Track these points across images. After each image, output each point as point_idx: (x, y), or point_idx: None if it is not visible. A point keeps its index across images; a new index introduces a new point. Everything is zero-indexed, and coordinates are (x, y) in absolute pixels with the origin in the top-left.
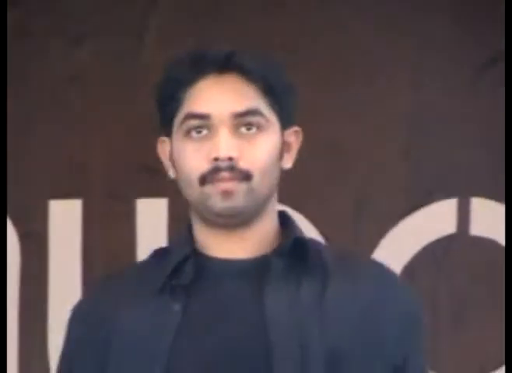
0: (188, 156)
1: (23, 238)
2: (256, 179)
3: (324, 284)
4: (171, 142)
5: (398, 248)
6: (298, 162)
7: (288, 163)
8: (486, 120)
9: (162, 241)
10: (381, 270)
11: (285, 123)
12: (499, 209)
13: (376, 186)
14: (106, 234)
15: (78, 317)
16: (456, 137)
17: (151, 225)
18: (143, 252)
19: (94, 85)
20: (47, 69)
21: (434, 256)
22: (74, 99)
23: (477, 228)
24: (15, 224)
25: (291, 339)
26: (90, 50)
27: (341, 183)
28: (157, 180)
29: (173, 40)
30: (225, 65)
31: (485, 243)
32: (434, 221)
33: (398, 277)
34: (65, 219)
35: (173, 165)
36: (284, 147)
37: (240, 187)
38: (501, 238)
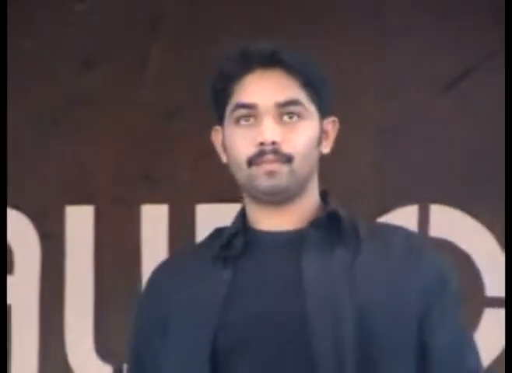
0: (237, 141)
1: (43, 238)
2: (297, 161)
3: (356, 252)
4: (223, 130)
5: None
6: None
7: (326, 149)
8: (446, 135)
9: (163, 241)
10: (408, 236)
11: (323, 113)
12: (455, 214)
13: (347, 193)
14: (115, 235)
15: (146, 293)
16: (418, 150)
17: (153, 228)
18: (147, 251)
19: (103, 105)
20: (62, 90)
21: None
22: (86, 117)
23: (435, 231)
24: (36, 226)
25: (324, 298)
26: (100, 73)
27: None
28: (159, 188)
29: (174, 64)
30: (269, 61)
31: (444, 244)
32: (399, 223)
33: (425, 243)
34: (79, 222)
35: (225, 151)
36: (322, 134)
37: (282, 169)
38: (457, 240)
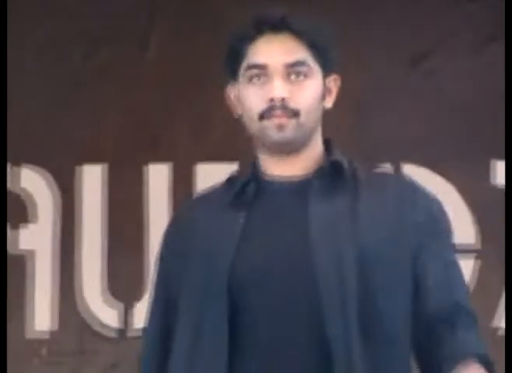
0: (250, 97)
1: (63, 192)
2: (303, 115)
3: (356, 197)
4: (237, 87)
5: None
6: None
7: (328, 103)
8: (417, 102)
9: (165, 196)
10: (404, 181)
11: (326, 72)
12: (423, 170)
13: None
14: (124, 190)
15: (169, 231)
16: (391, 118)
17: (157, 184)
18: (151, 204)
19: (113, 80)
20: (75, 71)
21: None
22: (99, 91)
23: None
24: (57, 181)
25: (328, 240)
26: (106, 55)
27: None
28: (161, 149)
29: (170, 49)
30: (278, 26)
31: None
32: None
33: (417, 187)
34: (94, 178)
35: (239, 106)
36: (325, 91)
37: (290, 122)
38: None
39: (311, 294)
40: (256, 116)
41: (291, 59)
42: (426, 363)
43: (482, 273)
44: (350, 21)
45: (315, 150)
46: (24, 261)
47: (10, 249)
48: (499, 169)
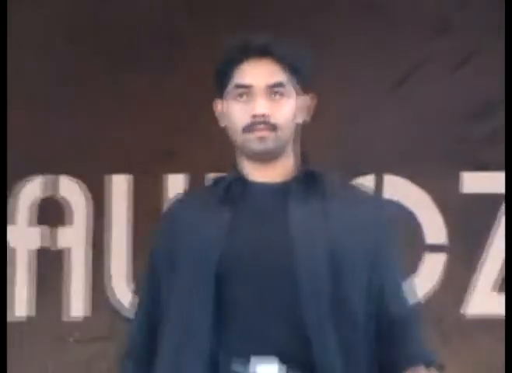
0: (236, 112)
1: (95, 198)
2: (281, 129)
3: (328, 202)
4: (224, 103)
5: None
6: None
7: (306, 117)
8: (397, 121)
9: None
10: (368, 196)
11: (304, 91)
12: (402, 181)
13: (318, 165)
14: (146, 197)
15: (165, 219)
16: (374, 133)
17: (174, 191)
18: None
19: (142, 98)
20: (103, 92)
21: None
22: (122, 108)
23: (387, 194)
24: (91, 189)
25: (305, 235)
26: (137, 73)
27: None
28: (177, 161)
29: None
30: (262, 52)
31: (394, 204)
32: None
33: (380, 203)
34: (121, 186)
35: (224, 119)
36: (301, 107)
37: (270, 135)
38: (404, 201)
39: (290, 284)
40: (240, 129)
41: (272, 81)
42: (382, 360)
43: (451, 266)
44: (338, 47)
45: (289, 159)
46: (62, 256)
47: (51, 246)
48: (466, 179)
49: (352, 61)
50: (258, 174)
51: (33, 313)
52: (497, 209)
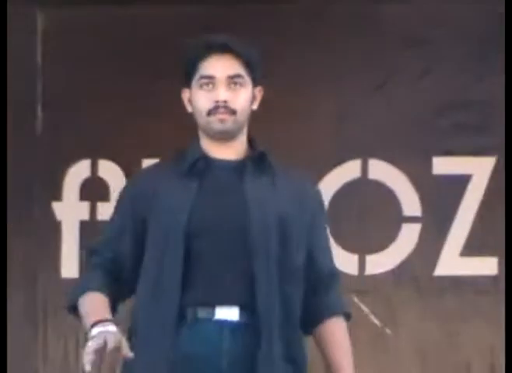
0: (201, 99)
1: (127, 179)
2: (238, 113)
3: (274, 177)
4: (191, 92)
5: (329, 184)
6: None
7: (254, 106)
8: (379, 115)
9: None
10: (302, 174)
11: (255, 84)
12: (384, 164)
13: (313, 152)
14: None
15: (130, 184)
16: (359, 124)
17: None
18: None
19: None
20: (144, 88)
21: (349, 188)
22: (157, 102)
23: (372, 175)
24: (126, 173)
25: (258, 206)
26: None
27: (299, 147)
28: None
29: None
30: (223, 48)
31: (377, 183)
32: (347, 172)
33: (310, 180)
34: None
35: (191, 105)
36: (253, 97)
37: (229, 118)
38: (385, 181)
39: (245, 243)
40: (204, 113)
41: (232, 72)
42: (304, 313)
43: (424, 235)
44: (333, 56)
45: (243, 140)
46: (100, 228)
47: (91, 219)
48: (436, 163)
49: (343, 67)
50: (218, 151)
51: (76, 275)
52: (461, 187)
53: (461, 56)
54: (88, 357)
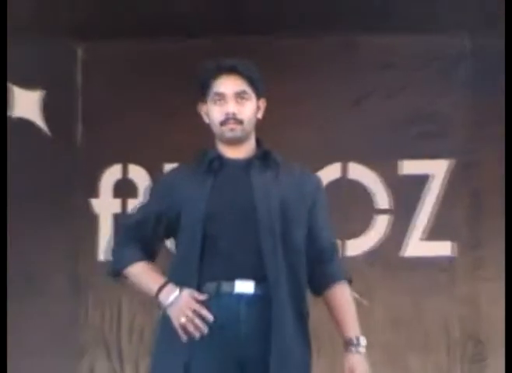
0: (214, 113)
1: (152, 180)
2: (245, 123)
3: (277, 173)
4: (207, 106)
5: None
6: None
7: (259, 115)
8: (357, 125)
9: None
10: (303, 167)
11: (258, 97)
12: (360, 167)
13: (300, 156)
14: None
15: (161, 181)
16: (338, 133)
17: None
18: None
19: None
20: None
21: (332, 186)
22: (177, 113)
23: (350, 176)
24: (151, 175)
25: (263, 194)
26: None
27: (291, 151)
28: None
29: None
30: (231, 70)
31: (355, 182)
32: (330, 173)
33: (310, 172)
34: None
35: (207, 116)
36: (258, 108)
37: (238, 127)
38: (360, 179)
39: (254, 225)
40: (218, 124)
41: (238, 89)
42: (312, 279)
43: (393, 223)
44: (317, 76)
45: (250, 142)
46: None
47: (122, 212)
48: (402, 165)
49: (327, 86)
50: (230, 152)
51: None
52: (423, 184)
53: (425, 77)
54: (181, 315)
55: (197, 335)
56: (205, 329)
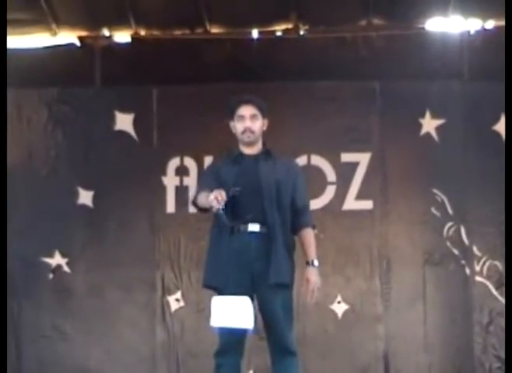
0: (238, 127)
1: (200, 172)
2: (256, 133)
3: (274, 162)
4: (234, 122)
5: None
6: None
7: (264, 127)
8: (318, 132)
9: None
10: (289, 159)
11: (264, 118)
12: (319, 157)
13: (279, 150)
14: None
15: (210, 167)
16: (306, 133)
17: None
18: None
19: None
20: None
21: (302, 170)
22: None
23: (313, 162)
24: (198, 165)
25: (266, 176)
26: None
27: (279, 148)
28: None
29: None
30: (247, 101)
31: (315, 168)
32: (300, 161)
33: (294, 161)
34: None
35: (234, 128)
36: (263, 124)
37: (252, 136)
38: (321, 166)
39: (260, 192)
40: (240, 133)
41: (252, 113)
42: (293, 225)
43: (337, 191)
44: (303, 109)
45: (259, 144)
46: (185, 191)
47: (180, 185)
48: (343, 156)
49: (299, 113)
50: (247, 150)
51: (174, 211)
52: (354, 167)
53: (354, 108)
54: (212, 199)
55: (218, 205)
56: (223, 203)
